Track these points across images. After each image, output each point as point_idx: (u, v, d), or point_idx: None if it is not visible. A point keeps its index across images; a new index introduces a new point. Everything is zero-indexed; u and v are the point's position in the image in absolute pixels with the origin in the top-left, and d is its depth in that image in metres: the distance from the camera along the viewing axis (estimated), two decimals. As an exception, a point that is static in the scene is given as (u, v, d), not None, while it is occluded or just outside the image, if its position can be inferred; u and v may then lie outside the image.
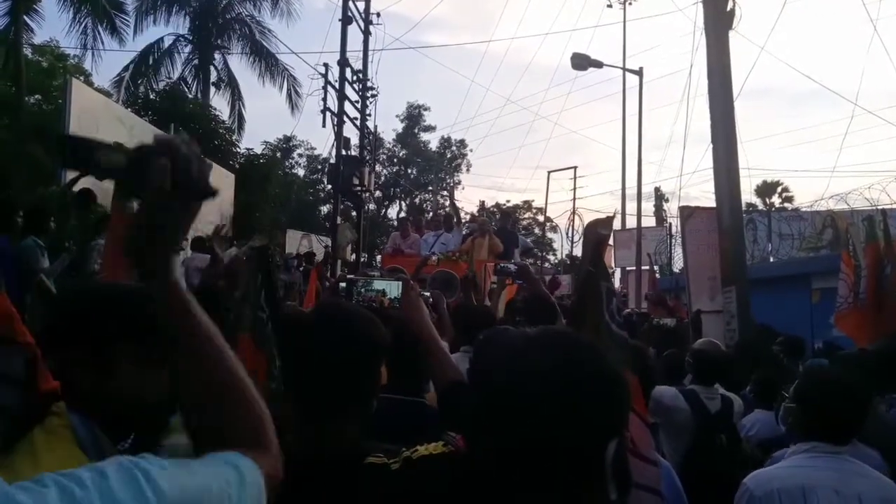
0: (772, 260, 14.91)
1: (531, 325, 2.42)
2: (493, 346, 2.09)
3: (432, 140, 38.40)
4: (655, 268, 15.57)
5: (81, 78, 16.45)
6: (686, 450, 3.32)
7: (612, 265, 22.94)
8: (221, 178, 14.88)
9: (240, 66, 22.61)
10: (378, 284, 1.81)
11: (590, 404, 0.90)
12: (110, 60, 34.37)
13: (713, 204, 6.71)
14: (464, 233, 10.68)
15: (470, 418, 1.34)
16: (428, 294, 2.80)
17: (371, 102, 18.27)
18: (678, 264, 14.45)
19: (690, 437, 3.35)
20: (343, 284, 2.09)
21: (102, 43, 17.60)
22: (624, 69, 18.32)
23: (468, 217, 24.76)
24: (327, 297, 1.86)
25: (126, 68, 19.68)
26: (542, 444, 0.88)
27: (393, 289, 1.79)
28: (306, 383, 1.37)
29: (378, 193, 32.55)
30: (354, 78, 17.52)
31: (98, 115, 10.09)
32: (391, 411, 1.91)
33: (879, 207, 10.53)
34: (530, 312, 3.42)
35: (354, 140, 17.69)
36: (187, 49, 21.57)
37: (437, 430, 1.39)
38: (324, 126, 16.65)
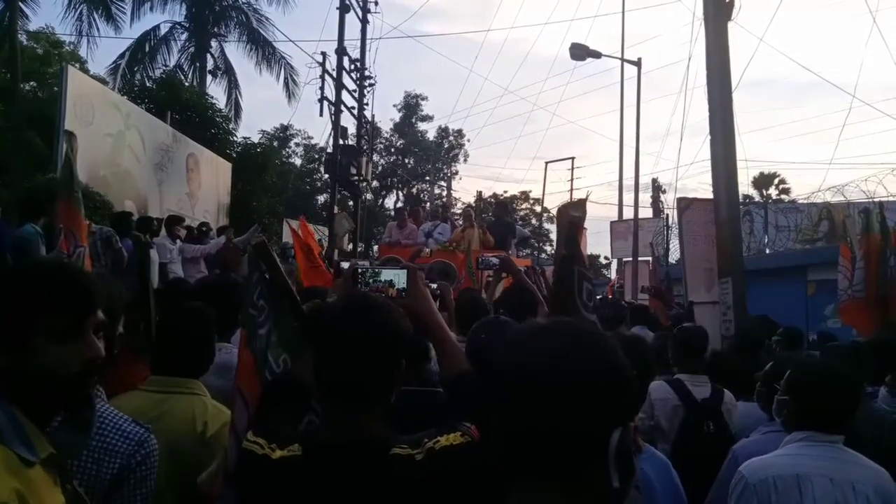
0: (768, 251, 14.95)
1: (511, 317, 2.41)
2: (488, 336, 2.11)
3: (430, 130, 38.32)
4: (658, 255, 15.49)
5: (77, 65, 16.33)
6: (674, 438, 3.36)
7: (611, 256, 22.92)
8: (218, 167, 14.84)
9: (237, 54, 22.49)
10: (385, 275, 1.79)
11: (594, 393, 0.90)
12: (106, 48, 34.06)
13: (710, 195, 6.72)
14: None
15: (479, 408, 1.37)
16: (435, 286, 2.78)
17: (369, 91, 18.21)
18: (675, 255, 14.45)
19: (680, 425, 3.39)
20: (363, 264, 2.08)
21: (98, 30, 17.49)
22: (622, 60, 18.25)
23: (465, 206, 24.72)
24: (346, 286, 1.84)
25: (122, 56, 19.49)
26: (546, 432, 0.89)
27: (400, 279, 1.76)
28: (334, 374, 1.38)
29: (375, 183, 32.47)
30: (352, 67, 17.44)
31: (94, 102, 10.01)
32: (407, 402, 1.92)
33: (876, 200, 10.58)
34: (510, 304, 3.44)
35: (352, 129, 17.65)
36: (184, 37, 21.38)
37: (451, 420, 1.41)
38: (321, 115, 16.61)
